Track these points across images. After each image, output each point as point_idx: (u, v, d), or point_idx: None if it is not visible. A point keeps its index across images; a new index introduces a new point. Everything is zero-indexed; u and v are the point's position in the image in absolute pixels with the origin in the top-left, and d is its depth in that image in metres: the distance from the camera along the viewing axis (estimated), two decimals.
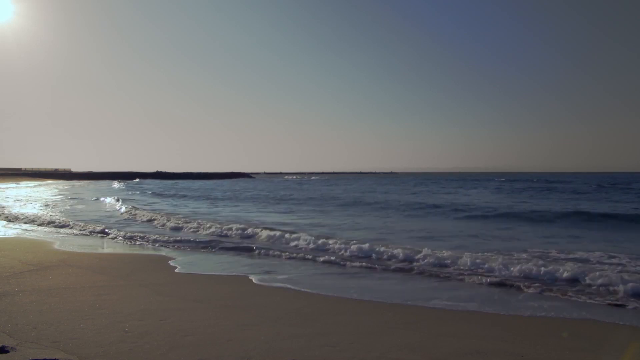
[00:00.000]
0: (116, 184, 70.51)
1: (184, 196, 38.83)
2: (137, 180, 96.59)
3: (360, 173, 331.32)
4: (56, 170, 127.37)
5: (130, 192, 44.88)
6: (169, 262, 9.68)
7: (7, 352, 4.16)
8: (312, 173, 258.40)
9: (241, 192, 47.29)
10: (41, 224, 16.66)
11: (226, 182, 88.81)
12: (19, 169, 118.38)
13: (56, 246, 11.51)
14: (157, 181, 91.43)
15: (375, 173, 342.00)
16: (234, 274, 8.64)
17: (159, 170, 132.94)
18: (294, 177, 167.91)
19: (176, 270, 8.83)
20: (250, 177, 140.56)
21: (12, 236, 13.58)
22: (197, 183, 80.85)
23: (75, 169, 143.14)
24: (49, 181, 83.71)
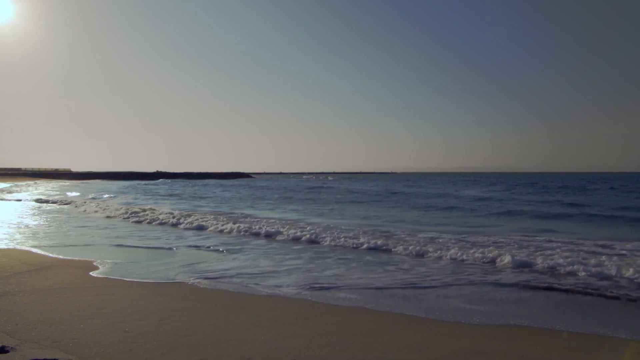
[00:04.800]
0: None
1: None
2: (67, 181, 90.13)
3: (360, 173, 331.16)
4: (56, 170, 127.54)
5: None
6: None
7: (7, 352, 4.16)
8: (259, 174, 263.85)
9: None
10: None
11: (150, 182, 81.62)
12: (19, 169, 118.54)
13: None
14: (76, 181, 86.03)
15: (374, 173, 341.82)
16: None
17: (159, 170, 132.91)
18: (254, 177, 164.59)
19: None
20: (251, 177, 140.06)
21: None
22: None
23: (75, 169, 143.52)
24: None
